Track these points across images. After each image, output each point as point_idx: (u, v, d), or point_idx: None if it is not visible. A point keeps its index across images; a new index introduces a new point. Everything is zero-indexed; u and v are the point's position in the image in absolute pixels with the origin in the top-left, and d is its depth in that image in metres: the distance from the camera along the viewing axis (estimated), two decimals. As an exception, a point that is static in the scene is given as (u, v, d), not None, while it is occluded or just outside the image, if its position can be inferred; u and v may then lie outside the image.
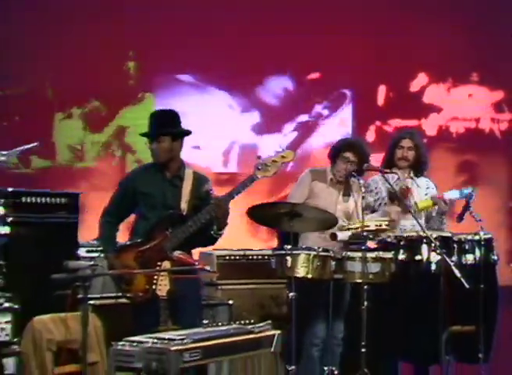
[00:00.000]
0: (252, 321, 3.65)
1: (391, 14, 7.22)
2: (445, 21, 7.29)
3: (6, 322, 2.77)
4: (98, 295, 3.55)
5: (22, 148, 4.09)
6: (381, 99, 7.34)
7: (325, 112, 7.52)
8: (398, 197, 4.04)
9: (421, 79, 7.40)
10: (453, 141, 7.42)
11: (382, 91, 7.35)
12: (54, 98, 7.55)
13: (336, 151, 3.94)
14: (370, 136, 7.23)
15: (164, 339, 2.74)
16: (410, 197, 4.15)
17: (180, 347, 2.66)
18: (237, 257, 4.44)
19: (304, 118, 7.60)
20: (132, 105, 7.83)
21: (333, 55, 7.01)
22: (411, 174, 4.20)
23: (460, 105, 7.51)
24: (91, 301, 3.33)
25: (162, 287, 3.34)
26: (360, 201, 3.73)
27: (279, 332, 3.07)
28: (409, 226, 4.11)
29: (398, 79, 7.38)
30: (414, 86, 7.35)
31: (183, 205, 3.39)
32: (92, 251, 3.84)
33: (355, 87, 7.32)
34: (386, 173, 4.00)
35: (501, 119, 7.62)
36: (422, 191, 4.26)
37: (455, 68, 7.43)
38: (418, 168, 4.21)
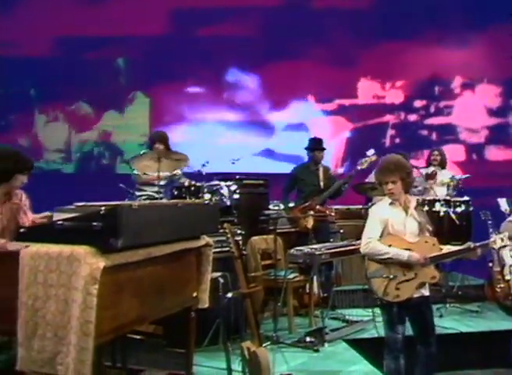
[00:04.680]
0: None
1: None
2: None
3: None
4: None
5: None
6: None
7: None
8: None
9: None
10: None
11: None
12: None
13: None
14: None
15: (312, 248, 6.13)
16: None
17: (319, 252, 6.08)
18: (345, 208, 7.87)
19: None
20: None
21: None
22: None
23: None
24: (278, 230, 6.56)
25: (309, 223, 6.84)
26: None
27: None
28: None
29: None
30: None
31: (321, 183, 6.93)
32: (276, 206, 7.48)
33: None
34: None
35: None
36: None
37: None
38: None
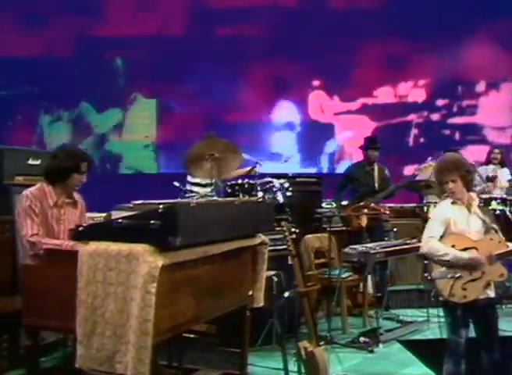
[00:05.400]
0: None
1: None
2: None
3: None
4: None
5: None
6: None
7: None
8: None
9: None
10: None
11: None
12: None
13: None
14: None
15: (367, 247, 6.04)
16: None
17: (374, 250, 6.00)
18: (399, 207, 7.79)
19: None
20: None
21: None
22: None
23: None
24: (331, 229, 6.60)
25: (363, 221, 6.74)
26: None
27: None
28: None
29: None
30: None
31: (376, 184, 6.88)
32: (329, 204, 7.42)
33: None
34: None
35: None
36: None
37: None
38: None
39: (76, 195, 4.37)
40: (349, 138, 10.43)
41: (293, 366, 4.48)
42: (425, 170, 6.91)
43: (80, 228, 3.54)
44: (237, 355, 4.53)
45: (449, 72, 10.31)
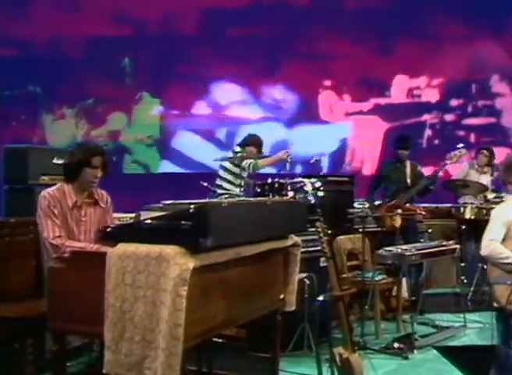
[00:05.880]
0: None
1: None
2: None
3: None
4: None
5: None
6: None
7: None
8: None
9: None
10: None
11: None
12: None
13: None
14: None
15: (402, 249, 5.86)
16: None
17: (409, 252, 5.83)
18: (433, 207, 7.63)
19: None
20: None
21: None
22: None
23: None
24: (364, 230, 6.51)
25: (397, 222, 6.63)
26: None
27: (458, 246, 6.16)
28: None
29: None
30: None
31: (408, 180, 6.69)
32: (361, 204, 7.28)
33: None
34: None
35: None
36: None
37: None
38: None
39: (100, 193, 4.27)
40: (360, 139, 10.39)
41: (326, 373, 4.37)
42: (455, 158, 6.77)
43: (108, 229, 3.45)
44: (268, 360, 4.43)
45: (462, 71, 10.24)
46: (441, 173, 7.07)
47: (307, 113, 10.38)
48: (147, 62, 9.77)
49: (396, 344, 5.67)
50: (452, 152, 6.79)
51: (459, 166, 7.81)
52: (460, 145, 6.83)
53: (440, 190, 7.35)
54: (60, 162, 5.37)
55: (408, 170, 7.18)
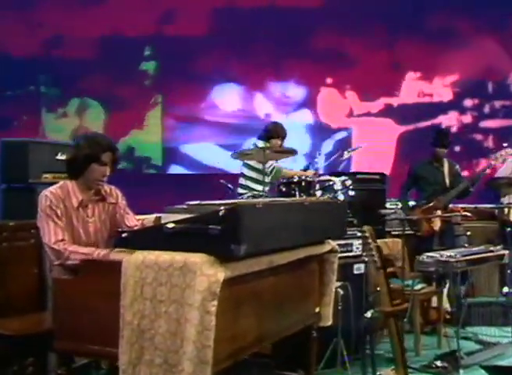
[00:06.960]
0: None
1: None
2: None
3: (359, 244, 5.51)
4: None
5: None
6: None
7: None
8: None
9: None
10: None
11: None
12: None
13: None
14: None
15: (446, 255, 5.35)
16: None
17: (454, 259, 5.34)
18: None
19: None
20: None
21: None
22: None
23: None
24: (396, 233, 6.20)
25: (436, 225, 6.24)
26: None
27: (507, 252, 5.75)
28: None
29: None
30: None
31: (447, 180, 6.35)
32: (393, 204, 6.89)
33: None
34: None
35: None
36: None
37: None
38: None
39: (108, 188, 3.90)
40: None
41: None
42: (501, 158, 6.49)
43: (124, 234, 3.06)
44: (298, 380, 4.08)
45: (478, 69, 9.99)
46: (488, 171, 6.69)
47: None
48: (160, 63, 9.86)
49: (439, 363, 5.23)
50: (498, 152, 6.51)
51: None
52: (505, 145, 6.54)
53: (479, 189, 6.95)
54: (64, 158, 4.98)
55: (446, 170, 6.76)
